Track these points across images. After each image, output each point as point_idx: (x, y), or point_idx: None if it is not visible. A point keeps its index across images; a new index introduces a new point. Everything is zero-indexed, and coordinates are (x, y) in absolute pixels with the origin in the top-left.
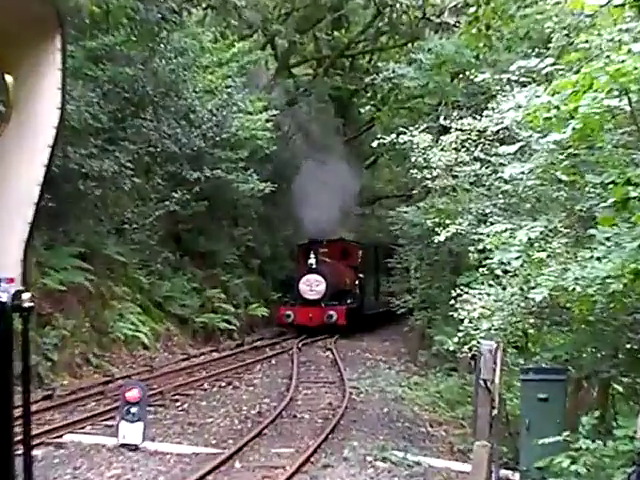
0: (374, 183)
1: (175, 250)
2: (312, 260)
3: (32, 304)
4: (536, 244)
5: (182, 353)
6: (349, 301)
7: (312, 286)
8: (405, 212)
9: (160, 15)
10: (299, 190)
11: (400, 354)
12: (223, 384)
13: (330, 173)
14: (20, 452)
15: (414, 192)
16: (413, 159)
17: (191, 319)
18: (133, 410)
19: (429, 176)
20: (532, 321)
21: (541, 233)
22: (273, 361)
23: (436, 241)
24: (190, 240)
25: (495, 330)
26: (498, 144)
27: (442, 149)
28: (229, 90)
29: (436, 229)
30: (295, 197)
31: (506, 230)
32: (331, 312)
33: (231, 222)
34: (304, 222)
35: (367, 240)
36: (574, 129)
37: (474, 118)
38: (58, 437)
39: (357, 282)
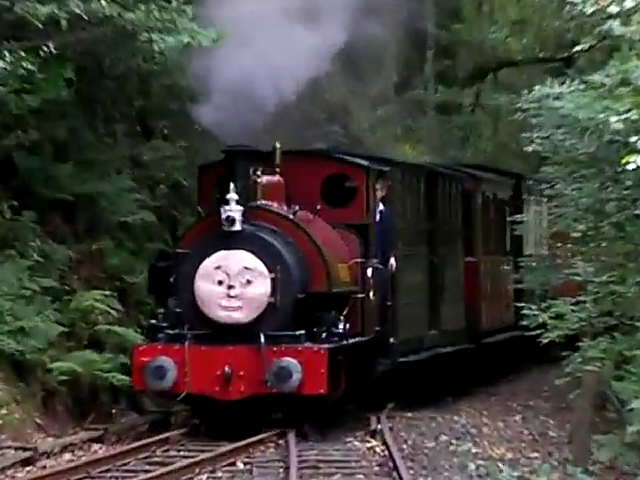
0: (480, 33)
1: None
2: (233, 210)
3: None
4: None
5: (17, 448)
6: (340, 328)
7: (230, 283)
8: (555, 96)
9: None
10: None
11: (547, 443)
12: None
13: None
14: None
15: (576, 50)
16: None
17: (40, 366)
18: None
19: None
20: None
21: None
22: (242, 465)
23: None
24: (37, 171)
25: None
26: None
27: None
28: None
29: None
30: None
31: None
32: (284, 361)
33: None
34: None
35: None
36: None
37: None
38: None
39: (372, 275)
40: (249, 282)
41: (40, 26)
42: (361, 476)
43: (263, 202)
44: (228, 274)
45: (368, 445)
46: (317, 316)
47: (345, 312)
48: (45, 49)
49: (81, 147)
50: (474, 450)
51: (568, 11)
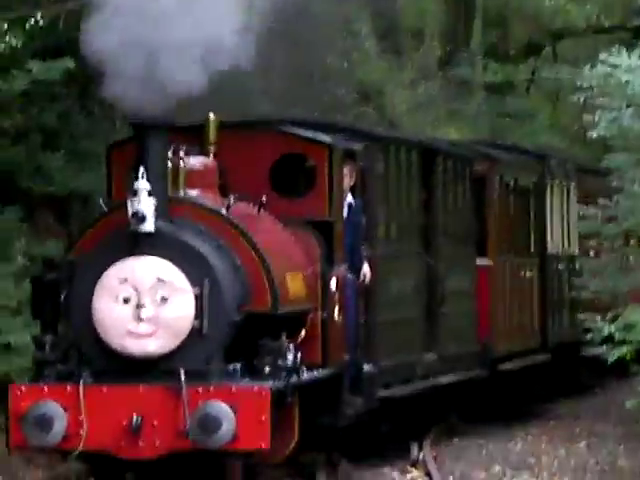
0: (530, 1)
1: None
2: (142, 203)
3: None
4: None
5: None
6: (289, 360)
7: (139, 301)
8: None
9: None
10: None
11: (616, 476)
12: None
13: None
14: None
15: None
16: None
17: None
18: None
19: None
20: None
21: None
22: None
23: None
24: (23, 162)
25: None
26: None
27: None
28: None
29: None
30: None
31: None
32: (211, 405)
33: None
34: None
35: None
36: None
37: None
38: None
39: (337, 287)
40: (165, 300)
41: None
42: None
43: (188, 192)
44: (137, 289)
45: (409, 476)
46: (259, 345)
47: (299, 338)
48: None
49: (74, 135)
50: None
51: None
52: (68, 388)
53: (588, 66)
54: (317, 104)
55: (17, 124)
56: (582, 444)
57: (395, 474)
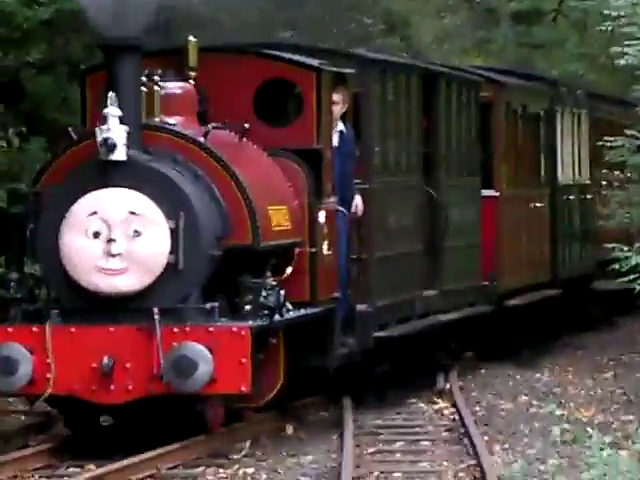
0: None
1: None
2: (112, 131)
3: None
4: None
5: None
6: (271, 298)
7: (110, 236)
8: None
9: None
10: None
11: None
12: None
13: None
14: None
15: None
16: None
17: None
18: None
19: None
20: None
21: None
22: (291, 430)
23: None
24: (48, 94)
25: None
26: None
27: None
28: None
29: None
30: None
31: None
32: (186, 347)
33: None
34: None
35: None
36: None
37: None
38: None
39: (326, 220)
40: (138, 234)
41: None
42: (427, 443)
43: (164, 119)
44: (107, 223)
45: (435, 407)
46: (239, 282)
47: (285, 275)
48: None
49: None
50: (558, 412)
51: None
52: (34, 329)
53: None
54: (344, 35)
55: (43, 55)
56: (609, 374)
57: (421, 405)
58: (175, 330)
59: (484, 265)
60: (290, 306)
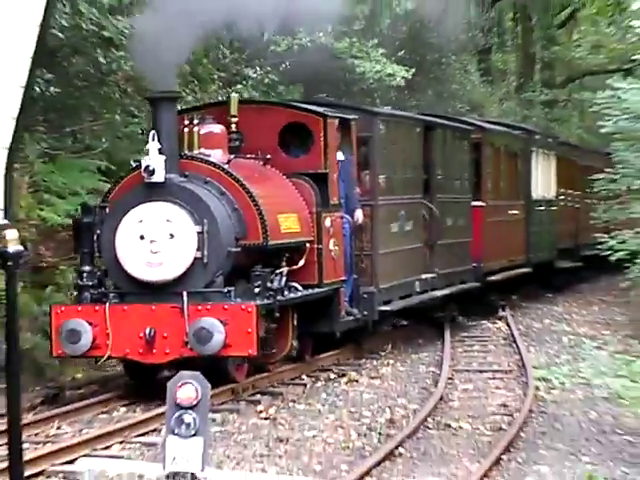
0: (570, 52)
1: None
2: (153, 160)
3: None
4: None
5: None
6: (276, 283)
7: (152, 238)
8: (624, 90)
9: None
10: None
11: (616, 325)
12: (332, 376)
13: None
14: None
15: (636, 61)
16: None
17: None
18: (188, 419)
19: None
20: None
21: None
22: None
23: None
24: None
25: None
26: None
27: None
28: None
29: None
30: None
31: None
32: (205, 320)
33: None
34: None
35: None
36: None
37: None
38: (68, 463)
39: (331, 225)
40: (172, 236)
41: None
42: (492, 346)
43: (202, 152)
44: (150, 228)
45: (496, 326)
46: (251, 271)
47: (298, 265)
48: None
49: None
50: (567, 329)
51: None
52: (96, 307)
53: (600, 91)
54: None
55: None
56: (596, 307)
57: (489, 325)
58: (199, 308)
59: (473, 253)
60: (300, 287)
